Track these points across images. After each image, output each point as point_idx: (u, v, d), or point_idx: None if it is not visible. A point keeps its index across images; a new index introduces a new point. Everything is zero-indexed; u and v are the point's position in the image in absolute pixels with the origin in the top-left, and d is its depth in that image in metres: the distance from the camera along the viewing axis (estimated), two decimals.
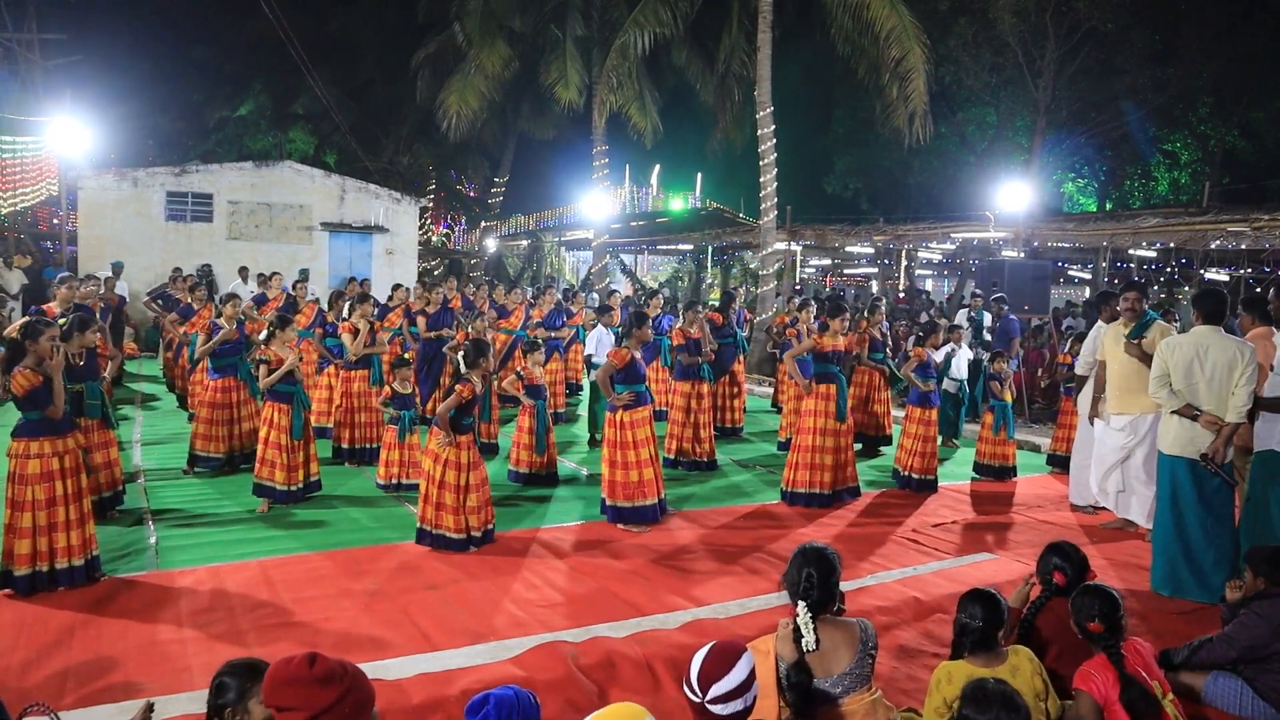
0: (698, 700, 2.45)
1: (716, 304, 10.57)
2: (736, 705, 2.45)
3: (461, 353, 6.04)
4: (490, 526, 5.97)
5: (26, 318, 5.27)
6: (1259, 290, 16.29)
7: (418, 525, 5.93)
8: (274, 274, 11.94)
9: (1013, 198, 16.24)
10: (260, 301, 11.16)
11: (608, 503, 6.52)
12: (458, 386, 5.78)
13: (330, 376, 9.02)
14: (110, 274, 13.34)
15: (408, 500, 7.03)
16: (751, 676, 2.50)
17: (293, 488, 6.66)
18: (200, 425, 7.62)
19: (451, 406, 5.72)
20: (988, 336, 11.28)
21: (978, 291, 12.11)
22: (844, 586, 3.30)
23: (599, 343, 9.67)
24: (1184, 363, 5.22)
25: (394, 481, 7.32)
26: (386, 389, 7.51)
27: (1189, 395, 5.21)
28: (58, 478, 4.82)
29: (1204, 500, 5.25)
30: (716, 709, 2.44)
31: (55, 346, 4.87)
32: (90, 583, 4.91)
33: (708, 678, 2.46)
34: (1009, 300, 11.12)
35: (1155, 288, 22.17)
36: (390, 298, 11.83)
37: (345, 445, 8.25)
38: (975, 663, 3.18)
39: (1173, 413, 5.29)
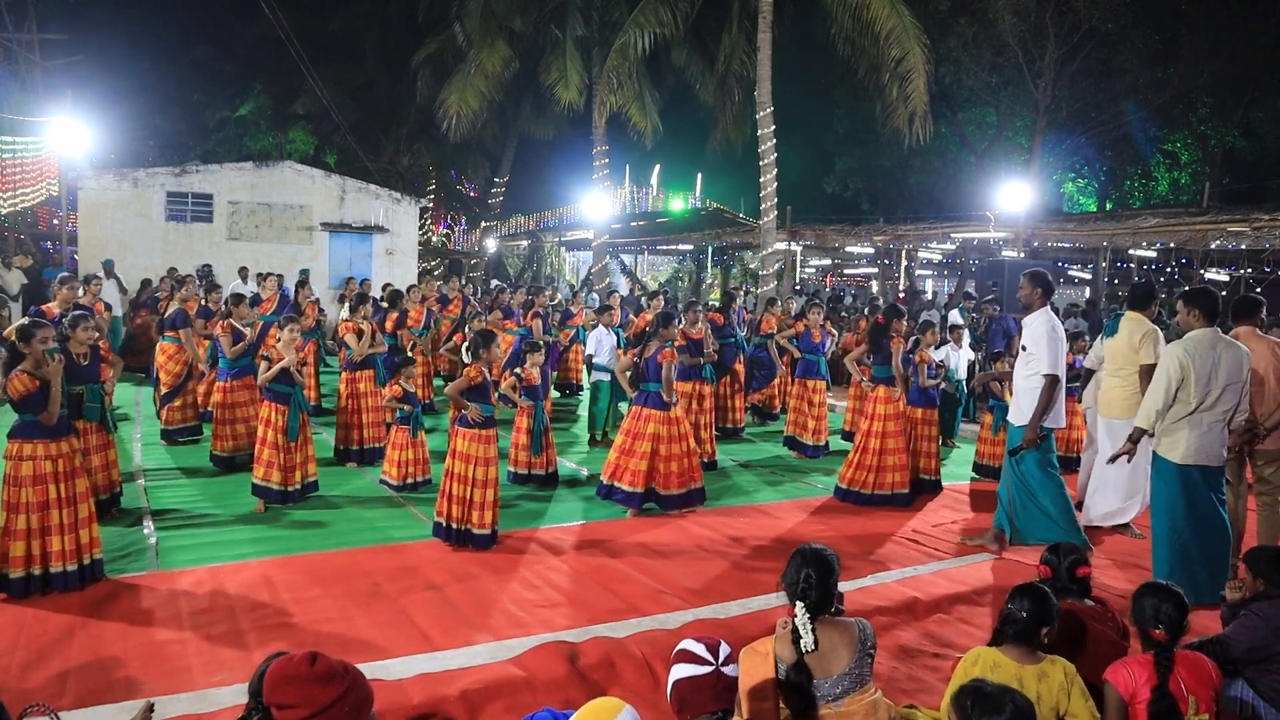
0: (711, 669, 2.46)
1: (717, 304, 10.57)
2: (736, 669, 2.55)
3: (467, 344, 6.14)
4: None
5: (25, 319, 5.26)
6: (1255, 292, 16.28)
7: (435, 520, 5.92)
8: (270, 274, 11.95)
9: (1013, 198, 16.25)
10: (254, 302, 11.17)
11: (602, 481, 6.97)
12: (466, 369, 5.93)
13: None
14: (101, 274, 13.26)
15: (414, 500, 7.04)
16: (733, 654, 2.63)
17: (289, 489, 6.64)
18: (214, 425, 7.71)
19: (461, 386, 5.85)
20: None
21: (970, 293, 12.13)
22: (844, 586, 3.30)
23: (599, 343, 9.66)
24: (1206, 368, 5.06)
25: (409, 481, 7.31)
26: (396, 388, 7.51)
27: (1201, 399, 5.06)
28: (51, 481, 4.79)
29: (1218, 505, 5.23)
30: (728, 670, 2.49)
31: (48, 350, 4.82)
32: (82, 587, 4.84)
33: (714, 644, 2.51)
34: (1009, 300, 11.11)
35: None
36: (382, 297, 11.84)
37: (353, 447, 8.22)
38: (1008, 654, 3.13)
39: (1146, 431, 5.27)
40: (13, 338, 4.91)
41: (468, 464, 5.81)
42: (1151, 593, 3.28)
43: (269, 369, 6.64)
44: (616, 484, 6.90)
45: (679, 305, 17.54)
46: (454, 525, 5.83)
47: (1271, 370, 5.59)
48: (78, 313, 5.93)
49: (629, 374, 7.31)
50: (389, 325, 10.07)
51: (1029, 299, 6.09)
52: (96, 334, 5.94)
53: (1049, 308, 6.06)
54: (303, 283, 11.51)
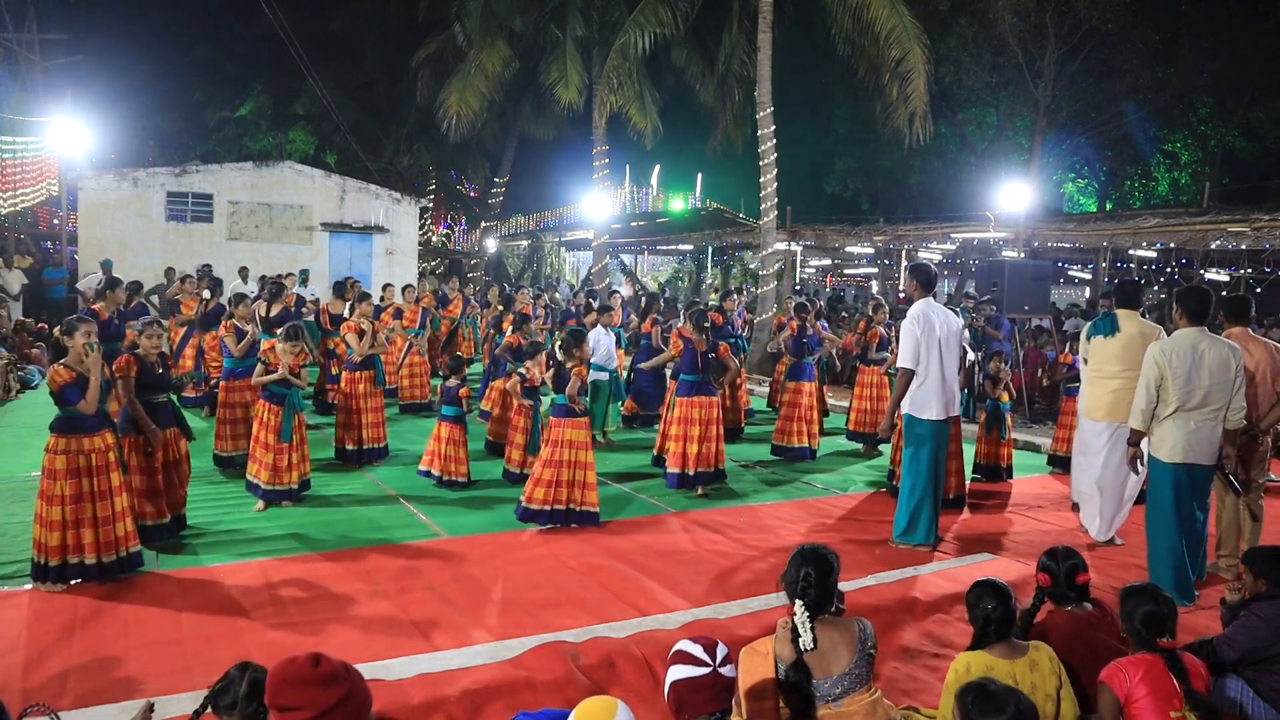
0: (708, 670, 2.46)
1: (716, 304, 10.58)
2: (734, 670, 2.57)
3: (559, 343, 6.65)
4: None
5: (74, 315, 5.37)
6: (1249, 292, 16.29)
7: (526, 507, 6.27)
8: (289, 274, 12.08)
9: (1013, 198, 16.24)
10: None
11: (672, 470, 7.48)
12: (573, 369, 6.43)
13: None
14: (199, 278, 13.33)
15: (414, 499, 7.03)
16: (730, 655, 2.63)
17: (278, 487, 6.63)
18: (216, 425, 7.72)
19: (576, 386, 6.41)
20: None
21: (970, 293, 12.14)
22: (844, 587, 3.31)
23: (597, 342, 9.66)
24: (1185, 367, 5.12)
25: (457, 479, 7.47)
26: (465, 389, 7.66)
27: (1184, 398, 5.13)
28: (85, 475, 4.89)
29: (1199, 505, 5.26)
30: (726, 670, 2.50)
31: (89, 344, 4.96)
32: (114, 579, 4.96)
33: (710, 645, 2.52)
34: (1009, 300, 11.12)
35: (1155, 287, 22.19)
36: (381, 297, 11.90)
37: (350, 447, 8.14)
38: (995, 654, 3.18)
39: (1135, 431, 5.35)
40: (59, 334, 5.09)
41: (575, 449, 6.33)
42: (1138, 595, 3.29)
43: (264, 372, 6.65)
44: (687, 470, 7.44)
45: (679, 305, 17.53)
46: (558, 508, 6.27)
47: (1268, 371, 5.59)
48: (146, 319, 5.93)
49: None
50: (505, 325, 10.38)
51: (909, 292, 6.34)
52: (161, 341, 5.94)
53: (928, 300, 6.15)
54: (313, 284, 11.63)
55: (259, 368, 6.78)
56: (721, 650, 2.53)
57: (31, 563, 4.89)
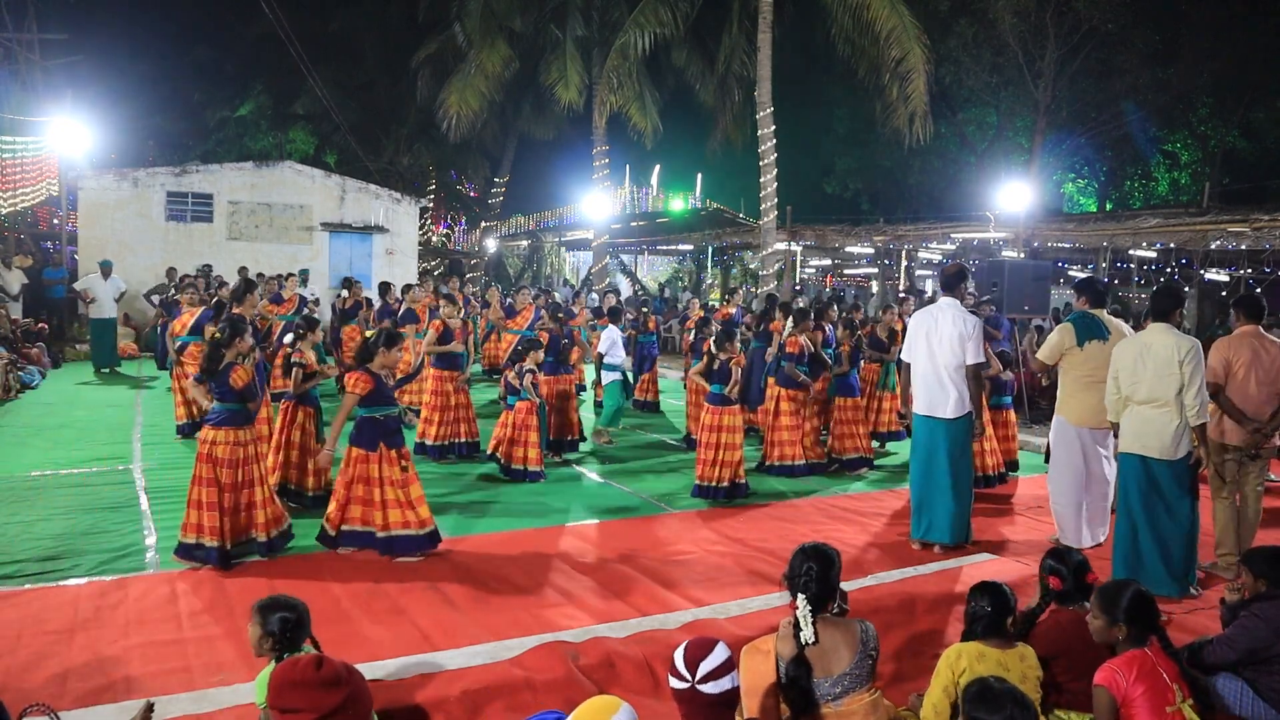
0: (687, 685, 2.49)
1: (717, 304, 10.61)
2: (725, 684, 2.54)
3: (714, 338, 7.27)
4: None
5: (228, 319, 5.75)
6: (1258, 290, 16.27)
7: (702, 485, 7.07)
8: (290, 275, 12.11)
9: (1013, 198, 16.23)
10: (276, 301, 11.31)
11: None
12: (733, 362, 7.02)
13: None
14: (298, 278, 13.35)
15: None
16: (731, 663, 2.59)
17: (318, 493, 6.61)
18: None
19: (739, 380, 7.05)
20: None
21: (971, 292, 12.12)
22: (844, 587, 3.32)
23: (613, 342, 9.69)
24: (1130, 362, 5.31)
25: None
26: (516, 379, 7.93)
27: (1131, 390, 5.30)
28: (255, 462, 5.43)
29: (1162, 500, 5.28)
30: (707, 688, 2.50)
31: (253, 345, 5.44)
32: (274, 556, 5.46)
33: (693, 660, 2.53)
34: (1009, 300, 11.12)
35: (1155, 288, 22.20)
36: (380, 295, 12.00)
37: (431, 442, 8.26)
38: (987, 645, 3.27)
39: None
40: (216, 335, 5.51)
41: (733, 433, 7.02)
42: (1117, 589, 3.30)
43: (303, 377, 6.59)
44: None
45: (679, 305, 17.53)
46: (721, 484, 7.01)
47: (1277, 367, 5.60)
48: (392, 332, 5.77)
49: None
50: (651, 325, 10.84)
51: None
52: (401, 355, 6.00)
53: (947, 299, 6.23)
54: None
55: (296, 372, 6.58)
56: (713, 660, 2.52)
57: (187, 546, 5.19)
